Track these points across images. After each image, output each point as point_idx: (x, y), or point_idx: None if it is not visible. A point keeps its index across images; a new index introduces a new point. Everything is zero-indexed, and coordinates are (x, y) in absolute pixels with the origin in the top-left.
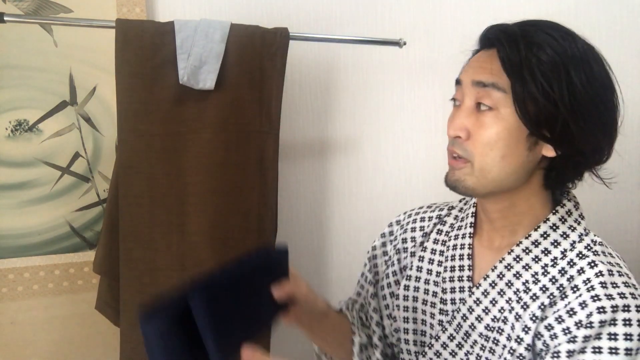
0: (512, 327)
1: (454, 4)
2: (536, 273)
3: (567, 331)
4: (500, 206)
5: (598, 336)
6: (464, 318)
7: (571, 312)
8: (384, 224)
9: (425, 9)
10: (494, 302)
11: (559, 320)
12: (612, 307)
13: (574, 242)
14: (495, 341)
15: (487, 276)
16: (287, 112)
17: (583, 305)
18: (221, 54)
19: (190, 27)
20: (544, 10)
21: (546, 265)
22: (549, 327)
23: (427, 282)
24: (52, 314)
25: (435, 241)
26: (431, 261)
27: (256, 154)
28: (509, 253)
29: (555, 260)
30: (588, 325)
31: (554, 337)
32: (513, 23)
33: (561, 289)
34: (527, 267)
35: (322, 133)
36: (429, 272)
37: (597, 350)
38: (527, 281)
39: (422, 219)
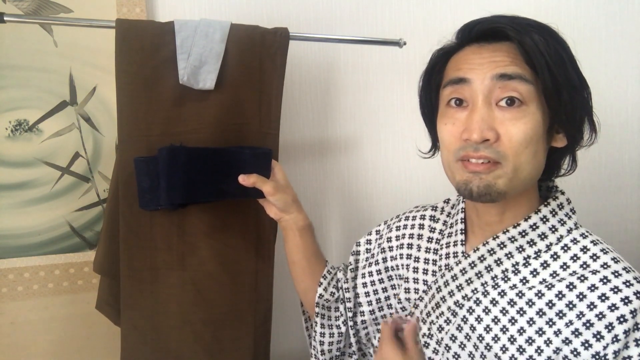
0: (500, 307)
1: (454, 4)
2: (517, 263)
3: (586, 344)
4: (501, 209)
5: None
6: (439, 289)
7: (588, 325)
8: None
9: (425, 9)
10: (479, 274)
11: (576, 334)
12: (631, 312)
13: (562, 236)
14: (471, 311)
15: (477, 249)
16: (287, 112)
17: (600, 316)
18: (221, 54)
19: (190, 27)
20: (544, 10)
21: (528, 257)
22: (567, 342)
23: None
24: (52, 314)
25: (427, 250)
26: (425, 272)
27: None
28: (494, 238)
29: (538, 254)
30: (614, 339)
31: (575, 352)
32: (495, 16)
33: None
34: (509, 256)
35: (322, 133)
36: (425, 283)
37: None
38: (517, 263)
39: (407, 218)
